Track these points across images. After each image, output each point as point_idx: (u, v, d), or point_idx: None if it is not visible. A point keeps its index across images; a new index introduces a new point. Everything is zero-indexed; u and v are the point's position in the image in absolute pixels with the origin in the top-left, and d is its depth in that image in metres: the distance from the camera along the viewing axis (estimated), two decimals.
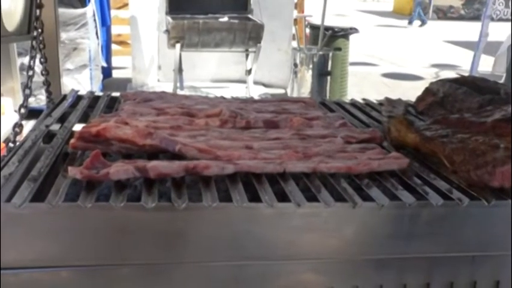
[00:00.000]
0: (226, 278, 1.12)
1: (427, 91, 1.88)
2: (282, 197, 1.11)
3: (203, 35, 4.97)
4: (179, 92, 5.50)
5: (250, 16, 5.53)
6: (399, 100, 1.94)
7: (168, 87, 5.38)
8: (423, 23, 15.14)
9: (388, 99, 1.94)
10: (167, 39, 5.07)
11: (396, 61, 10.01)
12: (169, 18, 5.07)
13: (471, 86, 1.80)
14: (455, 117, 1.45)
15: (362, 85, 7.51)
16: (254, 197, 1.10)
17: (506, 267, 1.20)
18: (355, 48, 7.73)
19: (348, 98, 3.33)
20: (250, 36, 5.11)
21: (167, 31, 5.03)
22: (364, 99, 2.01)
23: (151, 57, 6.38)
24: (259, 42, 5.15)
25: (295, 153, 1.27)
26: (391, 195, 1.13)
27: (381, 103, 1.94)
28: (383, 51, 10.87)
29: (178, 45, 4.97)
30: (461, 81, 1.86)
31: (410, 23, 15.07)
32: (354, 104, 1.95)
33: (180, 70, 5.56)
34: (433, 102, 1.83)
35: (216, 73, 6.63)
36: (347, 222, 1.10)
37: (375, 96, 2.13)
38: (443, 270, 1.18)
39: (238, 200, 1.06)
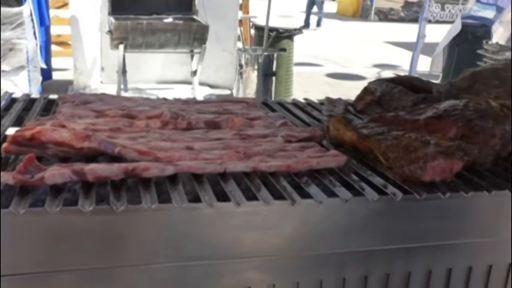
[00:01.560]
0: (168, 279, 1.12)
1: (366, 90, 1.94)
2: (224, 197, 1.12)
3: (147, 36, 4.92)
4: (123, 93, 5.41)
5: (195, 17, 5.51)
6: (339, 99, 1.99)
7: (112, 89, 5.28)
8: (318, 25, 14.93)
9: (328, 99, 1.98)
10: (110, 40, 4.97)
11: (339, 61, 10.22)
12: (112, 19, 4.98)
13: (406, 85, 1.87)
14: (391, 115, 1.50)
15: (306, 85, 7.62)
16: (195, 198, 1.10)
17: (438, 258, 1.25)
18: (299, 48, 7.85)
19: (292, 97, 3.37)
20: (195, 37, 5.09)
21: (110, 32, 4.94)
22: (305, 99, 2.05)
23: (93, 58, 6.24)
24: (204, 43, 5.14)
25: (236, 153, 1.28)
26: (329, 192, 1.16)
27: (322, 102, 1.98)
28: (327, 51, 11.07)
29: (121, 46, 4.89)
30: (397, 81, 1.93)
31: (306, 24, 14.79)
32: (295, 103, 1.98)
33: (123, 71, 5.46)
34: (371, 101, 1.89)
35: (161, 74, 6.55)
36: (286, 220, 1.12)
37: (318, 96, 2.16)
38: (380, 263, 1.22)
39: (178, 200, 1.05)
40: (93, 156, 1.25)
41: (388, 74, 8.29)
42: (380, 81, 1.96)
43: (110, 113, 1.52)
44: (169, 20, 5.29)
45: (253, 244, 1.13)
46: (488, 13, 7.28)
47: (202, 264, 1.12)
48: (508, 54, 6.15)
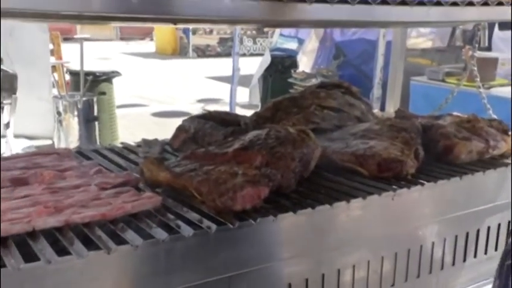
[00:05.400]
0: None
1: (180, 128, 2.00)
2: (34, 257, 1.06)
3: None
4: None
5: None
6: (155, 140, 2.02)
7: None
8: None
9: (144, 140, 2.00)
10: None
11: (165, 100, 10.33)
12: None
13: (217, 120, 1.98)
14: (202, 150, 1.57)
15: (133, 127, 7.54)
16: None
17: (259, 280, 1.32)
18: (122, 91, 7.76)
19: (119, 141, 3.29)
20: (3, 87, 4.75)
21: None
22: (122, 143, 2.04)
23: None
24: (15, 93, 4.82)
25: (46, 209, 1.22)
26: (146, 234, 1.17)
27: (139, 145, 1.99)
28: (151, 91, 11.11)
29: None
30: (208, 117, 2.02)
31: None
32: (112, 149, 1.95)
33: None
34: (186, 138, 1.95)
35: None
36: (104, 270, 1.10)
37: (146, 137, 2.11)
38: None
39: None
40: None
41: (212, 107, 8.59)
42: (192, 118, 2.04)
43: None
44: None
45: None
46: (292, 45, 8.02)
47: None
48: (313, 80, 6.81)
